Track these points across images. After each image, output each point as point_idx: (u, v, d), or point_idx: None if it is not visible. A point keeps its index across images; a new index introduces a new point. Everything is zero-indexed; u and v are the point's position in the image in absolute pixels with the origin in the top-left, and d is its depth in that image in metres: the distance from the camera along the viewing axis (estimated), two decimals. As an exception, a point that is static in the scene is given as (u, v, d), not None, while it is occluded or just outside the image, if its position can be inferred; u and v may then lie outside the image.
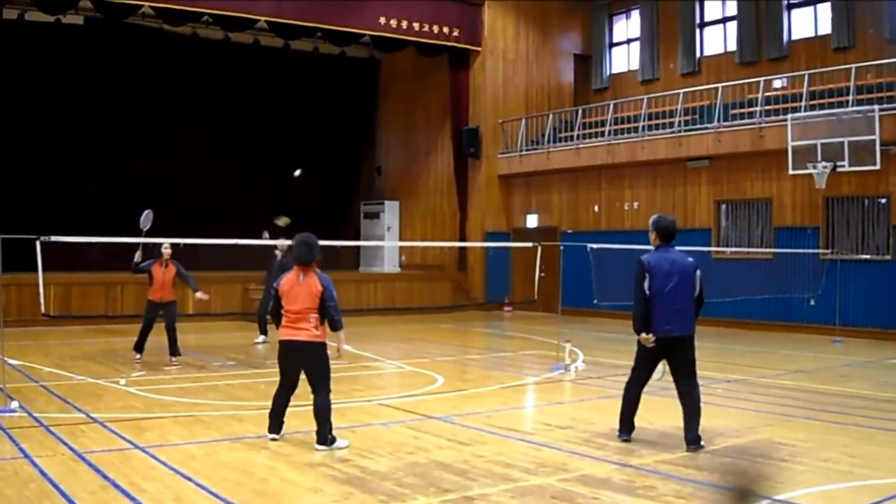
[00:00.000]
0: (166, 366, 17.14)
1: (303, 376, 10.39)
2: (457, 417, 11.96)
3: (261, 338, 20.85)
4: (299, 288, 10.29)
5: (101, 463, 9.17)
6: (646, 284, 10.22)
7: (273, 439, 10.46)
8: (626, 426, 10.66)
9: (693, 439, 10.13)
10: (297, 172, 20.97)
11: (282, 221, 19.16)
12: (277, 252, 19.85)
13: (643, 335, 10.30)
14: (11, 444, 9.99)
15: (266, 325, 19.55)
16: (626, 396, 10.67)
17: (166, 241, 17.04)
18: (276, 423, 10.58)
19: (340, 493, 8.28)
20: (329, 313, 10.30)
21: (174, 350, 17.61)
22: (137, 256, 17.36)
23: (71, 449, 9.83)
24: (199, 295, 17.97)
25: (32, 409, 12.06)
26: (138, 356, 17.66)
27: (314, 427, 10.15)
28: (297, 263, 10.50)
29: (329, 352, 10.32)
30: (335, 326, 10.41)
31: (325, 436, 10.13)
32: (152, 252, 17.50)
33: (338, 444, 10.13)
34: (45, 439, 10.34)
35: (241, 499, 7.98)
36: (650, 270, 10.22)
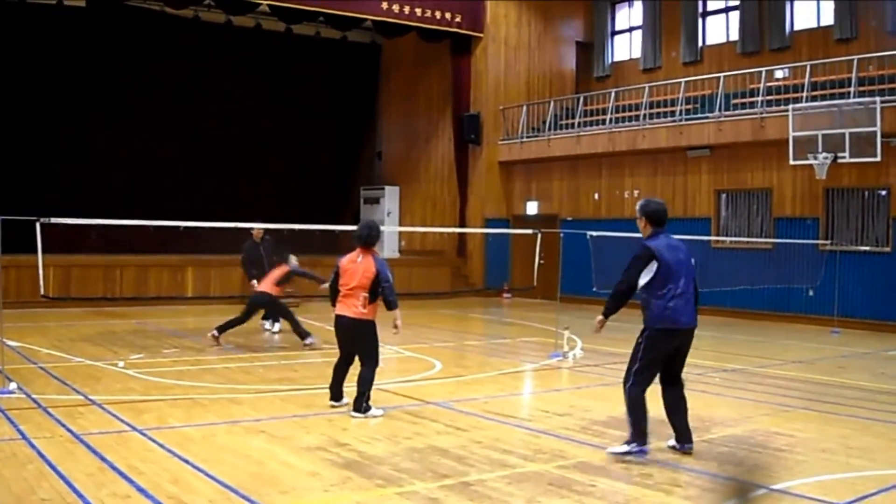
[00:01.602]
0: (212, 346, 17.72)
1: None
2: (455, 403, 11.98)
3: (270, 324, 20.26)
4: (355, 267, 11.05)
5: (99, 445, 9.18)
6: (646, 273, 9.39)
7: (333, 406, 11.40)
8: (643, 437, 9.20)
9: (690, 437, 9.49)
10: None
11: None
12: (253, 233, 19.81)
13: (599, 320, 9.99)
14: (10, 426, 9.99)
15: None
16: (638, 403, 9.23)
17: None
18: (335, 392, 11.50)
19: (338, 477, 8.29)
20: (384, 294, 10.99)
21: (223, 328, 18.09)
22: None
23: (69, 431, 9.83)
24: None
25: (31, 391, 12.07)
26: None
27: (312, 411, 10.17)
28: (358, 244, 11.26)
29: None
30: (390, 306, 11.08)
31: (360, 404, 10.88)
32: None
33: (372, 412, 10.90)
34: (43, 421, 10.34)
35: (238, 482, 7.98)
36: (660, 258, 9.34)
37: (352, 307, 10.97)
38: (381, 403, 11.69)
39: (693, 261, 9.73)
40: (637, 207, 10.00)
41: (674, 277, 9.39)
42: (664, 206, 9.96)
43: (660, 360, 9.45)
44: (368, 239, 11.23)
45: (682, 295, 9.41)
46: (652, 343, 9.43)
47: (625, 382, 9.42)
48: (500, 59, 33.05)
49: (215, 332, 17.36)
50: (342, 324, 11.11)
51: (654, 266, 9.38)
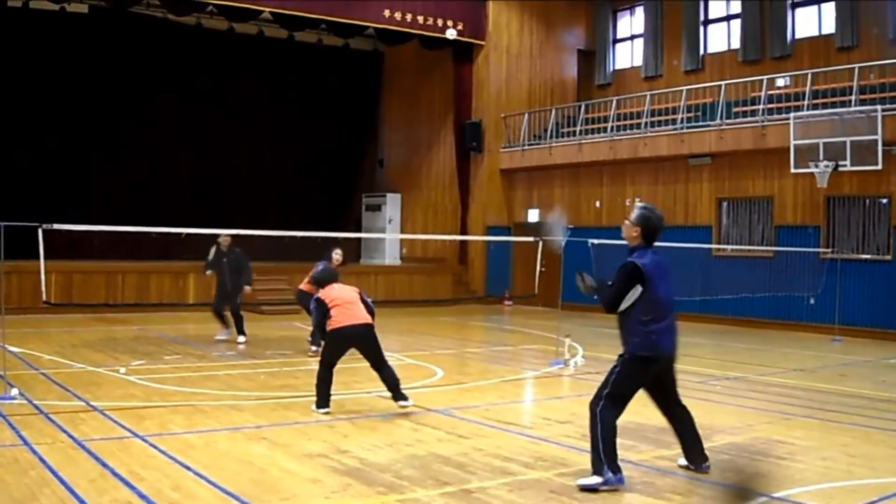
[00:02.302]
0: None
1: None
2: (456, 410, 11.99)
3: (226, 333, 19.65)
4: (342, 289, 12.01)
5: (101, 451, 9.20)
6: (633, 294, 8.49)
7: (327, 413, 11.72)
8: (616, 463, 8.43)
9: (705, 457, 9.07)
10: None
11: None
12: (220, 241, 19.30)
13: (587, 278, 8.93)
14: (11, 432, 10.01)
15: (224, 318, 19.36)
16: (608, 426, 8.48)
17: (335, 242, 19.08)
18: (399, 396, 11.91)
19: (339, 483, 8.30)
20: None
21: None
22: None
23: (70, 437, 9.85)
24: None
25: (32, 397, 12.08)
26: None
27: (314, 418, 10.21)
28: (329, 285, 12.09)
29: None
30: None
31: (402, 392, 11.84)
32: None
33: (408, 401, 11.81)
34: (44, 427, 10.36)
35: (239, 488, 8.00)
36: (651, 278, 8.50)
37: (362, 317, 11.73)
38: (383, 410, 11.75)
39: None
40: (635, 214, 8.76)
41: (668, 299, 8.73)
42: (662, 222, 8.91)
43: (638, 385, 8.87)
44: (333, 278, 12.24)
45: (670, 318, 8.79)
46: (632, 365, 8.68)
47: (594, 403, 8.63)
48: (502, 66, 33.07)
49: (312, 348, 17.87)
50: (362, 331, 11.73)
51: (639, 290, 8.49)
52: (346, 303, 11.68)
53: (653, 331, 8.54)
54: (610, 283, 8.69)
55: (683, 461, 9.15)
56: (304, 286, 18.15)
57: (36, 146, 29.85)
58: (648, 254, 8.62)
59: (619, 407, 8.65)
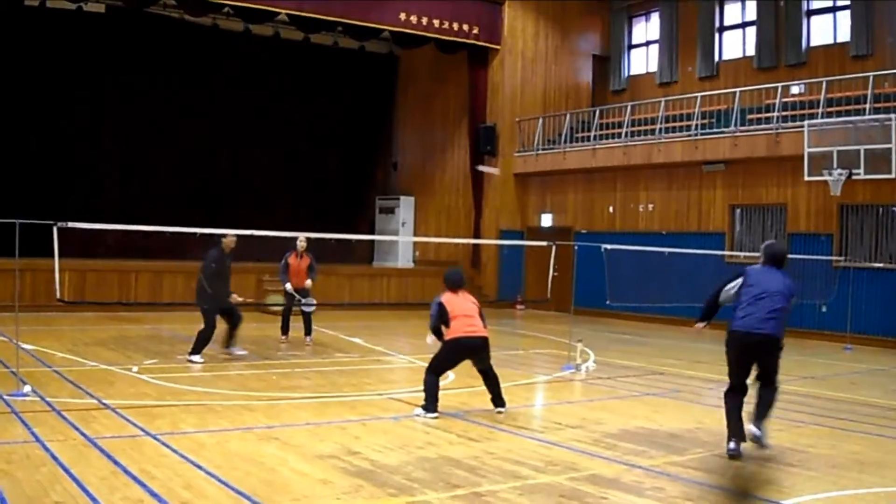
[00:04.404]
0: (305, 345, 19.11)
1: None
2: (467, 414, 12.00)
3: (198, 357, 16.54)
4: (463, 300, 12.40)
5: (113, 449, 9.23)
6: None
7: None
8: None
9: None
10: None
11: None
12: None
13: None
14: (23, 428, 10.05)
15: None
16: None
17: (301, 235, 18.80)
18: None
19: (350, 485, 8.31)
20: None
21: (308, 331, 19.52)
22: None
23: (82, 434, 9.88)
24: (308, 283, 19.39)
25: (45, 394, 12.13)
26: (284, 337, 19.66)
27: (325, 419, 10.26)
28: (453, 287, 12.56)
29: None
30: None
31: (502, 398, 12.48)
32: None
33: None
34: (56, 424, 10.39)
35: (250, 488, 8.02)
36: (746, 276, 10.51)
37: (481, 329, 12.16)
38: (395, 412, 11.77)
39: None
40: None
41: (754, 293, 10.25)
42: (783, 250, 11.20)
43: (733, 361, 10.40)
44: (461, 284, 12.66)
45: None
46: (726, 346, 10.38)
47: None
48: (517, 71, 33.09)
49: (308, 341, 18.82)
50: (480, 344, 12.11)
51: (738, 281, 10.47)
52: (464, 314, 12.03)
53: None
54: None
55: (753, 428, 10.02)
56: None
57: (51, 144, 29.96)
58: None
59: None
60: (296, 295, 19.06)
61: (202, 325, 16.32)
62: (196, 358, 16.11)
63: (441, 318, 12.00)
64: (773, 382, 10.25)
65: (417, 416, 11.60)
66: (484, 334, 12.06)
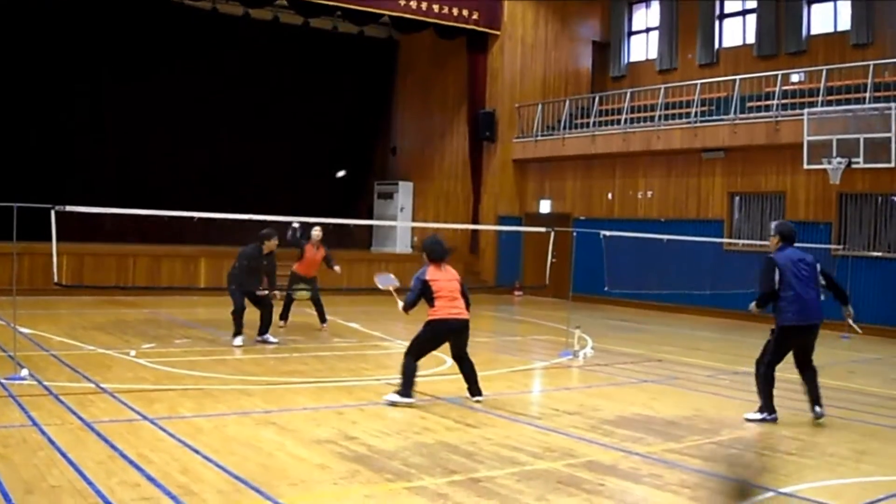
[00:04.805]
0: (319, 331, 19.23)
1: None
2: (464, 400, 11.98)
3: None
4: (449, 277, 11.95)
5: (110, 433, 9.23)
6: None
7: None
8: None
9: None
10: (341, 173, 21.62)
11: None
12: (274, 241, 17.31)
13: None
14: (20, 412, 10.04)
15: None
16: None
17: (317, 225, 19.03)
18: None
19: (347, 470, 8.32)
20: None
21: (323, 318, 19.67)
22: (296, 230, 19.22)
23: (80, 418, 9.88)
24: (337, 269, 19.78)
25: (42, 378, 12.13)
26: (283, 323, 19.33)
27: (323, 404, 10.25)
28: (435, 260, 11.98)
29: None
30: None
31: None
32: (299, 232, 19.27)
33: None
34: (54, 408, 10.39)
35: (247, 473, 8.01)
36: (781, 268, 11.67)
37: (464, 312, 11.88)
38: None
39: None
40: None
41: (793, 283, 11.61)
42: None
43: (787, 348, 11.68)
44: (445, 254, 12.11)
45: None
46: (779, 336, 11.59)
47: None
48: (517, 57, 33.04)
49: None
50: (461, 326, 11.85)
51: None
52: (450, 295, 11.73)
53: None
54: None
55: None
56: (296, 267, 19.36)
57: (48, 126, 29.86)
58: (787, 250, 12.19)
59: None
60: (304, 285, 19.14)
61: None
62: (237, 341, 16.40)
63: (424, 296, 11.70)
64: (811, 362, 11.74)
65: (392, 401, 11.42)
66: (467, 317, 11.86)
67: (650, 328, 23.23)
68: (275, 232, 16.86)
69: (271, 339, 17.06)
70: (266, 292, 16.79)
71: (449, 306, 11.65)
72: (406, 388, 11.47)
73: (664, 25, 32.65)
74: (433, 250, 11.97)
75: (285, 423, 10.13)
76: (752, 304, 11.87)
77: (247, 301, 16.65)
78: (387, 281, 13.22)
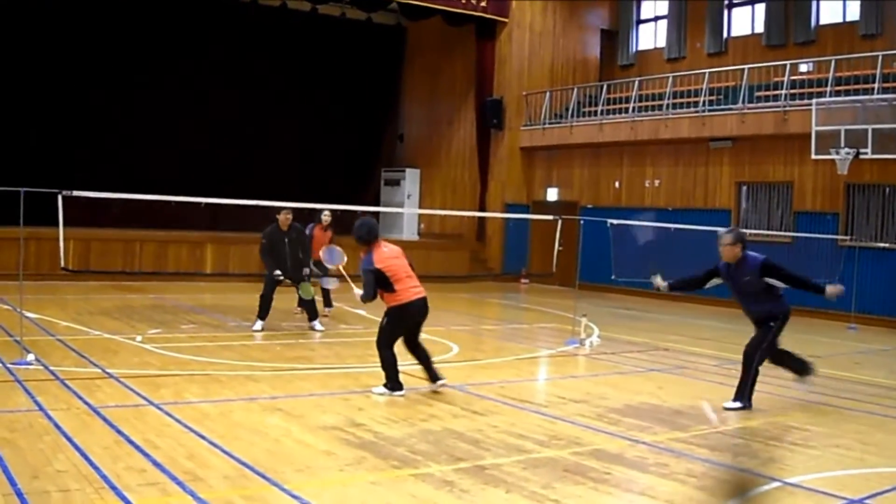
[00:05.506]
0: (323, 316, 18.55)
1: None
2: (471, 387, 11.99)
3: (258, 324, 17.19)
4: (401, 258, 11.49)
5: (116, 418, 9.23)
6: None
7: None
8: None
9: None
10: None
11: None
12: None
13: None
14: (27, 397, 10.05)
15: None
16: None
17: (326, 209, 18.95)
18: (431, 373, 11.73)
19: (353, 457, 8.32)
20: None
21: (328, 303, 19.42)
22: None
23: (86, 403, 9.89)
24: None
25: (48, 363, 12.13)
26: (298, 310, 18.74)
27: (329, 391, 10.27)
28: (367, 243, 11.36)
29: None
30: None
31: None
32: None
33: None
34: (60, 393, 10.40)
35: (253, 459, 8.02)
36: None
37: (422, 289, 11.39)
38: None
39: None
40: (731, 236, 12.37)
41: None
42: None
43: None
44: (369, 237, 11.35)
45: None
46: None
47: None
48: (525, 44, 32.98)
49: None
50: (425, 306, 11.40)
51: None
52: (406, 274, 11.25)
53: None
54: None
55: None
56: None
57: (54, 111, 29.78)
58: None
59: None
60: (314, 269, 18.77)
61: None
62: (256, 325, 16.61)
63: (380, 285, 11.06)
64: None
65: (380, 395, 11.17)
66: (424, 294, 11.37)
67: (657, 317, 23.21)
68: (285, 207, 16.87)
69: (317, 326, 17.21)
70: (280, 276, 16.75)
71: (409, 287, 11.18)
72: (392, 381, 11.25)
73: (673, 14, 32.55)
74: (368, 232, 11.32)
75: (291, 409, 10.13)
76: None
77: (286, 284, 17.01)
78: (336, 258, 13.11)
